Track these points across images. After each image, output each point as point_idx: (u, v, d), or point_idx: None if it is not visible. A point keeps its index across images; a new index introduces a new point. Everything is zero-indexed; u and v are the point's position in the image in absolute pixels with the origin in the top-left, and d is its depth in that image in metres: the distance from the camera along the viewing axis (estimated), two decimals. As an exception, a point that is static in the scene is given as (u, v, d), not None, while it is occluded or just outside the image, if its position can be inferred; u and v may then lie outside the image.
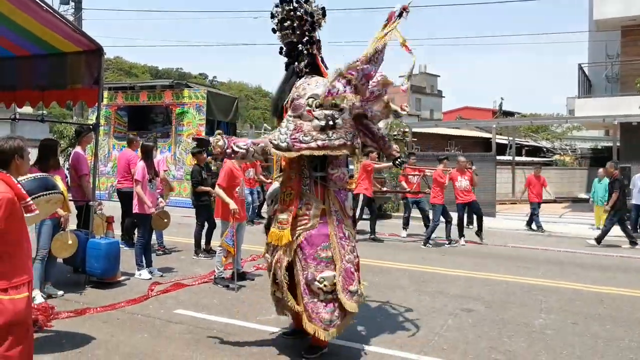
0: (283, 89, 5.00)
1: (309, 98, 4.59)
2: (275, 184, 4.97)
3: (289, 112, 4.72)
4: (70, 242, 6.37)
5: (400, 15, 4.75)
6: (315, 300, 4.55)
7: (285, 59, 5.09)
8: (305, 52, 4.92)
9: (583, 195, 23.43)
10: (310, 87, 4.73)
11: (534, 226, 14.08)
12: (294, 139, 4.51)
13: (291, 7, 4.82)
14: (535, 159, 30.55)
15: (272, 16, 5.01)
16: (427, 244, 11.02)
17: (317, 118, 4.51)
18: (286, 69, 5.08)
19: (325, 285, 4.51)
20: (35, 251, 6.14)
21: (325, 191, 4.74)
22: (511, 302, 6.77)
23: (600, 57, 20.02)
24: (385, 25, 4.80)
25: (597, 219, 14.84)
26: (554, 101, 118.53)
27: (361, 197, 11.15)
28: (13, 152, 3.51)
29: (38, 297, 5.88)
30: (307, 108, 4.56)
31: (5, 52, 7.14)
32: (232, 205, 6.93)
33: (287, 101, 4.86)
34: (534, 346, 5.20)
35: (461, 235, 11.54)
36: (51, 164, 6.16)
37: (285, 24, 4.90)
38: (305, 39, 4.90)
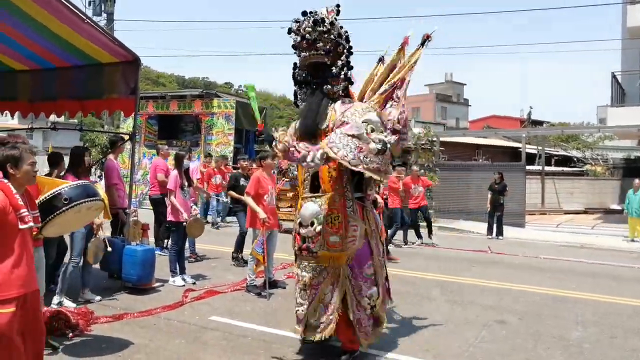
0: (317, 110, 4.91)
1: (363, 122, 4.61)
2: (312, 205, 4.80)
3: (343, 130, 4.60)
4: (103, 247, 6.48)
5: (423, 43, 5.21)
6: (362, 314, 4.78)
7: (300, 76, 5.09)
8: (342, 76, 4.98)
9: (615, 207, 22.96)
10: (358, 111, 4.77)
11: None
12: (358, 157, 4.50)
13: (324, 29, 4.79)
14: (566, 169, 30.11)
15: (291, 32, 4.94)
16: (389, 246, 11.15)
17: (373, 141, 4.55)
18: (309, 88, 5.03)
19: (373, 301, 4.82)
20: (68, 257, 6.31)
21: (364, 211, 4.94)
22: (545, 314, 6.67)
23: (634, 65, 19.66)
24: (400, 50, 5.26)
25: (632, 231, 14.55)
26: (582, 110, 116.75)
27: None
28: (4, 161, 3.42)
29: (67, 303, 6.04)
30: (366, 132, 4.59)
31: (47, 63, 7.37)
32: (262, 214, 6.98)
33: (329, 125, 4.82)
34: None
35: (418, 236, 12.56)
36: (80, 171, 6.18)
37: (318, 45, 4.85)
38: (341, 63, 4.96)
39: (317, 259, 4.76)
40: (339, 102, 4.96)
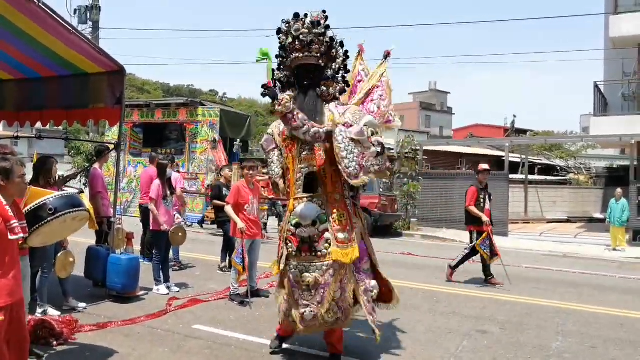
0: (315, 110, 4.93)
1: (364, 126, 4.72)
2: (311, 205, 4.82)
3: (348, 133, 4.69)
4: (70, 260, 6.29)
5: (385, 58, 5.73)
6: (370, 305, 5.00)
7: (285, 77, 5.15)
8: (340, 78, 5.13)
9: (598, 215, 23.25)
10: (358, 114, 4.90)
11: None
12: (359, 165, 4.66)
13: (319, 32, 4.89)
14: (549, 178, 30.44)
15: (281, 32, 5.00)
16: None
17: (374, 145, 4.73)
18: (296, 90, 5.05)
19: (375, 294, 5.08)
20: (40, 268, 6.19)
21: (357, 210, 5.20)
22: (526, 324, 6.77)
23: (616, 75, 19.98)
24: (358, 57, 5.78)
25: (614, 240, 14.77)
26: (566, 118, 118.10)
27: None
28: None
29: (51, 311, 6.01)
30: (368, 135, 4.74)
31: (33, 73, 7.37)
32: (240, 224, 7.02)
33: (329, 124, 4.85)
34: (550, 368, 5.21)
35: None
36: (42, 184, 5.78)
37: (313, 47, 4.91)
38: (337, 66, 5.11)
39: (323, 257, 4.76)
40: (332, 103, 5.03)
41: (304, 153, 4.97)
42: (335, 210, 4.84)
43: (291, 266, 4.89)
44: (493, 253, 9.00)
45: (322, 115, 4.92)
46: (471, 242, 9.32)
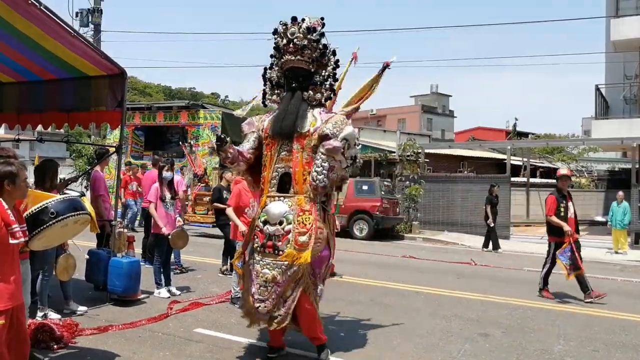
0: (297, 113, 5.09)
1: (342, 140, 4.94)
2: (281, 204, 4.95)
3: (323, 150, 4.96)
4: (71, 262, 6.26)
5: (383, 70, 5.67)
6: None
7: (276, 77, 5.34)
8: (328, 85, 5.29)
9: (599, 218, 23.20)
10: (338, 125, 5.04)
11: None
12: (329, 177, 4.96)
13: (314, 38, 5.06)
14: (551, 181, 30.36)
15: (277, 33, 5.14)
16: None
17: (346, 159, 5.09)
18: (285, 91, 5.26)
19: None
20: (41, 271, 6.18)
21: (327, 216, 5.22)
22: (529, 327, 6.74)
23: (617, 78, 19.97)
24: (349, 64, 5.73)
25: (616, 243, 14.74)
26: (567, 121, 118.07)
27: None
28: (2, 178, 3.48)
29: (52, 315, 6.00)
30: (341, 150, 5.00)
31: (34, 76, 7.37)
32: (242, 227, 7.01)
33: (309, 130, 5.05)
34: (552, 371, 5.19)
35: None
36: (47, 186, 5.87)
37: (306, 51, 5.10)
38: (327, 74, 5.28)
39: (282, 256, 4.85)
40: (317, 109, 5.18)
41: (282, 153, 5.11)
42: (301, 213, 4.94)
43: (254, 260, 5.01)
44: (576, 266, 8.21)
45: (303, 118, 5.08)
46: (548, 255, 8.65)
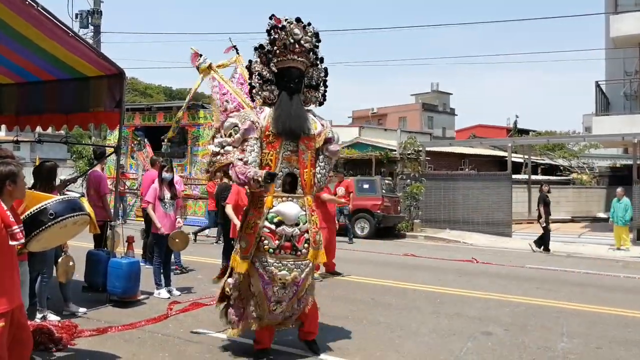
0: (306, 117, 5.19)
1: (340, 143, 5.26)
2: (294, 205, 4.94)
3: (328, 153, 5.31)
4: (71, 264, 6.23)
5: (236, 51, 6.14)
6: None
7: (269, 74, 5.23)
8: (322, 89, 5.42)
9: (601, 215, 23.16)
10: (332, 129, 5.44)
11: None
12: (327, 178, 5.41)
13: (317, 44, 5.24)
14: (552, 178, 30.33)
15: (283, 29, 5.01)
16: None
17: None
18: (280, 89, 5.16)
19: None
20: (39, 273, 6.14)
21: None
22: (531, 325, 6.70)
23: (617, 74, 19.96)
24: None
25: (618, 239, 14.69)
26: (568, 118, 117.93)
27: None
28: (4, 178, 3.46)
29: (51, 316, 5.97)
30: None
31: (33, 77, 7.33)
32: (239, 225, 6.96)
33: (315, 133, 5.21)
34: (555, 369, 5.15)
35: None
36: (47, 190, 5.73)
37: (308, 55, 5.23)
38: (321, 80, 5.40)
39: (305, 256, 4.93)
40: (308, 113, 5.33)
41: (286, 153, 5.07)
42: (312, 213, 5.11)
43: (266, 263, 4.86)
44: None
45: (307, 121, 5.16)
46: None
